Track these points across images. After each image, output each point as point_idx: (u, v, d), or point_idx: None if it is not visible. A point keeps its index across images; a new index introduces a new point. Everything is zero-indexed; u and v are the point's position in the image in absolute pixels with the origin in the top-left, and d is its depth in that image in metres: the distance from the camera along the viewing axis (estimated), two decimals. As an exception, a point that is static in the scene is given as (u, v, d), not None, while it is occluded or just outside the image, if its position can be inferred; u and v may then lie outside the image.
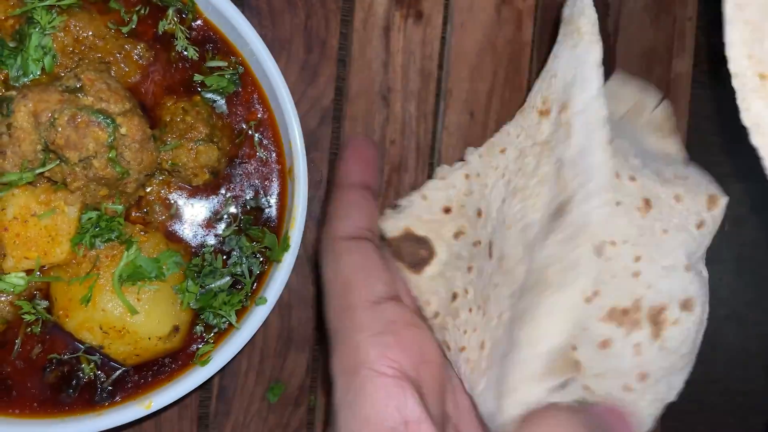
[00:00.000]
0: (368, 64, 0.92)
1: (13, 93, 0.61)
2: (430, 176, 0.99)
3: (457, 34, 0.97)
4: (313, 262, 0.91)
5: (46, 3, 0.65)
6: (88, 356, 0.67)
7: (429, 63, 0.96)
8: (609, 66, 1.07)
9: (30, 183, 0.63)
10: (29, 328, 0.67)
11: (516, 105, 1.01)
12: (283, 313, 0.89)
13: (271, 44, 0.91)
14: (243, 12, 0.86)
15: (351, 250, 0.60)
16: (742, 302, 1.18)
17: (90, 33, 0.66)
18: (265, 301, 0.67)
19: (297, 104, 0.92)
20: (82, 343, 0.66)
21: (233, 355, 0.66)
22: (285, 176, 0.72)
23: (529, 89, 1.03)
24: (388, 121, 0.96)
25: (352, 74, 0.92)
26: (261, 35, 0.88)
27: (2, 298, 0.66)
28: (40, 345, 0.67)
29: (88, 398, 0.65)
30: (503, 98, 0.99)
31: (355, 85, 0.92)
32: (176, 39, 0.70)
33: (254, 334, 0.68)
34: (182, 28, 0.70)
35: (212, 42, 0.71)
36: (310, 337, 0.91)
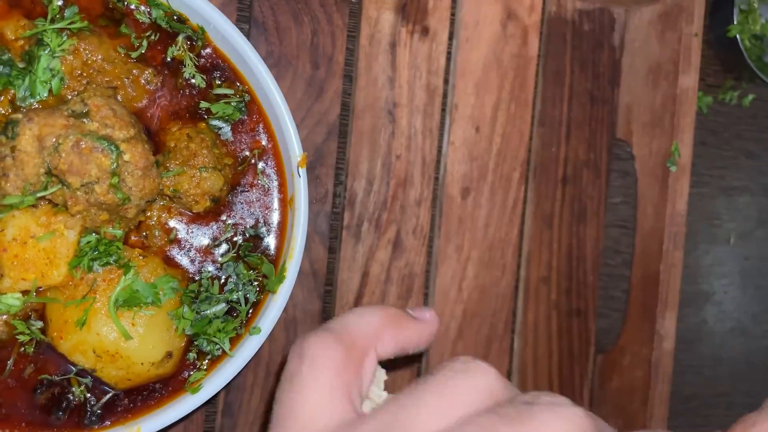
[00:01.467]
0: (374, 80, 0.87)
1: (19, 115, 0.60)
2: (435, 191, 0.93)
3: (462, 50, 0.92)
4: (318, 276, 0.85)
5: (57, 26, 0.65)
6: (80, 378, 0.64)
7: (435, 78, 0.90)
8: (614, 81, 1.01)
9: (31, 205, 0.62)
10: (22, 348, 0.67)
11: (521, 119, 0.96)
12: (289, 327, 0.84)
13: (277, 60, 0.86)
14: (250, 29, 0.82)
15: None
16: (747, 315, 1.12)
17: (99, 57, 0.66)
18: (259, 331, 0.64)
19: (303, 120, 0.87)
20: (75, 365, 0.66)
21: (225, 384, 0.62)
22: (286, 206, 0.72)
23: (534, 103, 0.97)
24: (394, 136, 0.91)
25: (358, 90, 0.87)
26: (268, 51, 0.84)
27: None
28: (32, 365, 0.67)
29: (77, 421, 0.63)
30: (509, 112, 0.93)
31: (361, 100, 0.87)
32: (184, 66, 0.70)
33: (255, 354, 0.63)
34: (191, 55, 0.70)
35: (220, 69, 0.71)
36: (314, 353, 0.85)
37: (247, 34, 0.85)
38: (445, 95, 0.95)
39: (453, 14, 0.95)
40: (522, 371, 1.01)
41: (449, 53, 0.95)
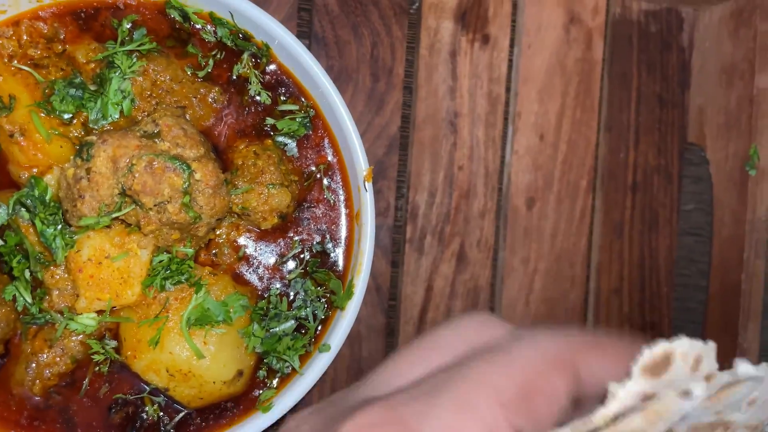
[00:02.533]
0: (434, 91, 0.86)
1: (93, 138, 0.62)
2: (499, 201, 0.91)
3: (524, 56, 0.90)
4: (382, 291, 0.84)
5: (127, 48, 0.66)
6: (153, 397, 0.65)
7: (496, 86, 0.89)
8: (684, 83, 0.97)
9: (105, 226, 0.64)
10: (97, 368, 0.69)
11: (587, 125, 0.93)
12: (353, 344, 0.83)
13: (338, 75, 0.86)
14: (310, 45, 0.82)
15: None
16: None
17: (167, 77, 0.68)
18: (329, 348, 0.63)
19: (364, 134, 0.87)
20: (148, 384, 0.66)
21: (295, 402, 0.61)
22: (352, 221, 0.73)
23: (600, 108, 0.94)
24: (456, 147, 0.90)
25: (419, 101, 0.86)
26: (328, 66, 0.84)
27: (73, 338, 0.68)
28: (107, 384, 0.69)
29: (152, 439, 0.61)
30: (574, 119, 0.90)
31: (421, 111, 0.86)
32: (250, 83, 0.71)
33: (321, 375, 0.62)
34: (256, 72, 0.71)
35: (284, 86, 0.72)
36: (380, 370, 0.84)
37: (308, 49, 0.85)
38: (507, 103, 0.93)
39: (514, 20, 0.93)
40: (594, 387, 0.97)
41: (511, 60, 0.93)
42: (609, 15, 0.97)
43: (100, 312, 0.64)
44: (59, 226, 0.62)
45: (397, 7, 0.89)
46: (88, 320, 0.64)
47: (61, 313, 0.64)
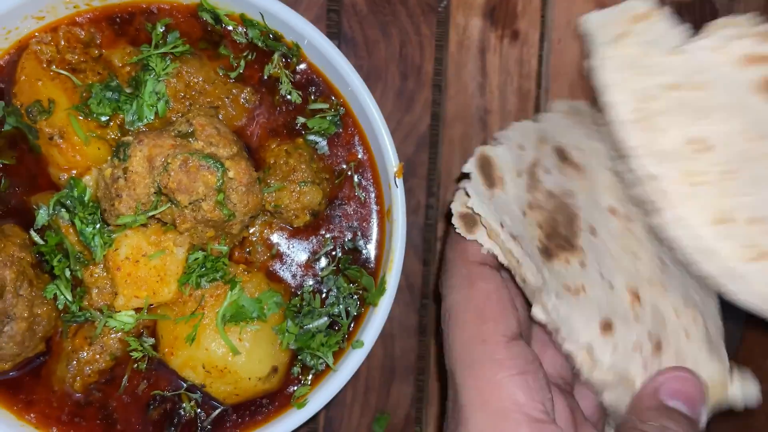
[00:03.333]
0: (464, 87, 0.87)
1: (130, 138, 0.64)
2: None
3: (555, 51, 0.90)
4: (414, 290, 0.84)
5: (161, 51, 0.68)
6: (190, 394, 0.66)
7: (527, 82, 0.89)
8: None
9: (141, 224, 0.65)
10: (136, 365, 0.70)
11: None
12: (386, 342, 0.84)
13: (367, 74, 0.87)
14: (339, 45, 0.84)
15: (485, 276, 0.57)
16: None
17: (200, 78, 0.69)
18: (362, 344, 0.64)
19: (393, 132, 0.87)
20: (185, 380, 0.68)
21: (330, 398, 0.62)
22: (383, 217, 0.73)
23: (633, 103, 0.93)
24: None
25: (448, 98, 0.87)
26: (357, 66, 0.85)
27: (112, 336, 0.69)
28: (145, 381, 0.70)
29: (189, 435, 0.63)
30: (606, 114, 0.89)
31: (451, 109, 0.87)
32: (281, 83, 0.72)
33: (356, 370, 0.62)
34: (287, 72, 0.72)
35: (315, 85, 0.73)
36: (414, 367, 0.85)
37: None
38: (537, 99, 0.93)
39: (543, 15, 0.92)
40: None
41: (541, 56, 0.93)
42: (640, 7, 0.96)
43: (137, 309, 0.66)
44: (98, 225, 0.64)
45: (425, 5, 0.89)
46: (126, 317, 0.66)
47: (101, 311, 0.66)
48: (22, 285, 0.62)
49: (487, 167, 0.63)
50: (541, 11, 0.92)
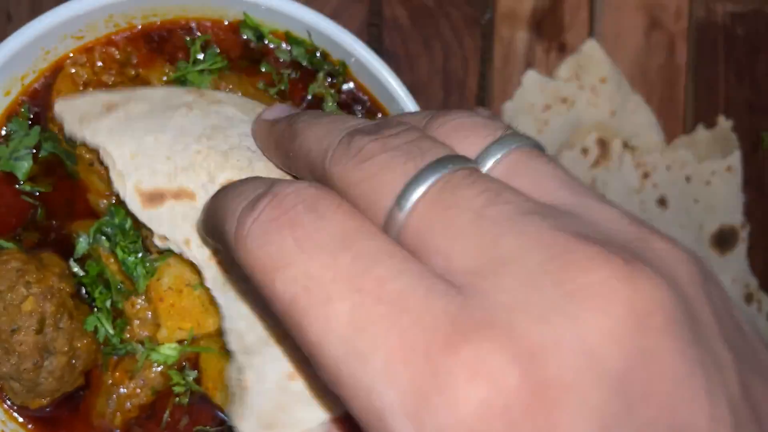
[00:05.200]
0: (510, 104, 0.82)
1: None
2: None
3: (602, 64, 0.85)
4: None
5: (199, 67, 0.66)
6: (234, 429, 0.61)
7: (574, 97, 0.84)
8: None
9: None
10: (177, 399, 0.67)
11: (674, 134, 0.89)
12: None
13: (409, 89, 0.83)
14: (381, 58, 0.79)
15: None
16: None
17: (239, 93, 0.66)
18: None
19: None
20: (228, 416, 0.60)
21: None
22: None
23: (685, 115, 0.90)
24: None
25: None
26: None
27: (154, 369, 0.67)
28: (187, 416, 0.67)
29: (233, 474, 0.60)
30: (659, 128, 0.85)
31: (497, 127, 0.83)
32: (325, 102, 0.69)
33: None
34: (332, 91, 0.69)
35: (361, 103, 0.70)
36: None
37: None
38: (585, 114, 0.89)
39: (591, 27, 0.89)
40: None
41: (589, 69, 0.89)
42: (692, 19, 0.92)
43: (181, 342, 0.63)
44: (140, 254, 0.62)
45: (469, 18, 0.86)
46: (169, 350, 0.63)
47: (142, 343, 0.63)
48: (62, 318, 0.59)
49: None
50: (589, 23, 0.89)
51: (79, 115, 0.60)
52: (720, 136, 0.91)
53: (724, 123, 0.91)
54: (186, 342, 0.62)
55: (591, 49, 0.86)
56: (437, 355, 0.27)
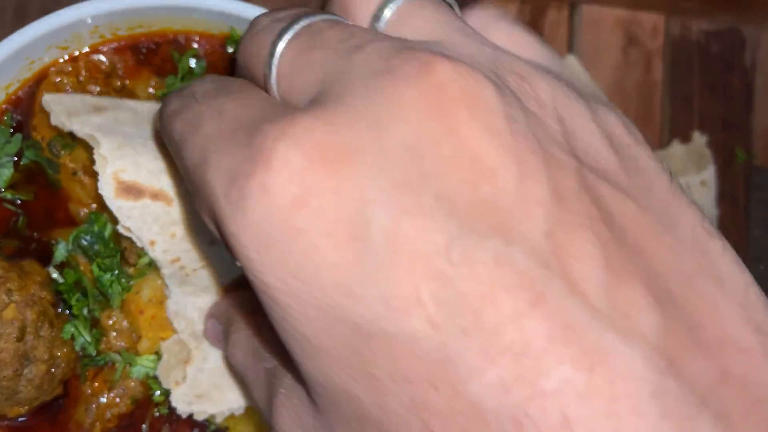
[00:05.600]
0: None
1: None
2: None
3: (580, 80, 0.87)
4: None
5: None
6: None
7: (555, 112, 0.86)
8: (748, 104, 0.94)
9: None
10: (157, 409, 0.66)
11: (650, 148, 0.89)
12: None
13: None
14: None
15: None
16: None
17: None
18: None
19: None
20: (210, 423, 0.63)
21: None
22: None
23: (661, 131, 0.92)
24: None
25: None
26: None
27: (134, 377, 0.67)
28: (167, 425, 0.66)
29: (213, 483, 0.61)
30: (634, 144, 0.87)
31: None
32: None
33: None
34: None
35: None
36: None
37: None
38: (564, 128, 0.91)
39: (571, 44, 0.91)
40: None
41: (567, 84, 0.91)
42: (668, 36, 0.95)
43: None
44: (116, 272, 0.62)
45: (451, 32, 0.88)
46: (148, 362, 0.63)
47: (119, 353, 0.63)
48: (42, 326, 0.59)
49: None
50: (568, 40, 0.91)
51: (67, 109, 0.60)
52: (695, 150, 0.93)
53: (698, 138, 0.94)
54: (167, 352, 0.63)
55: (570, 64, 0.88)
56: (255, 141, 0.30)
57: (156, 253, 0.59)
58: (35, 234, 0.65)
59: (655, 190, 0.33)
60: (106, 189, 0.58)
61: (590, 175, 0.31)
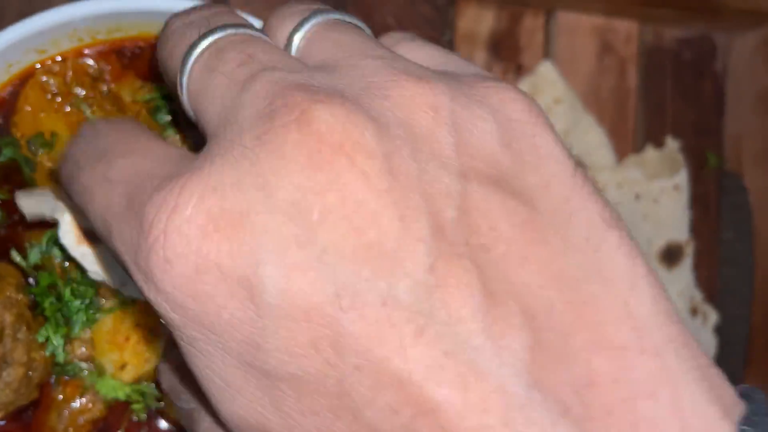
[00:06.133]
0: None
1: None
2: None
3: (556, 85, 0.88)
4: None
5: None
6: None
7: (531, 117, 0.87)
8: (719, 111, 0.97)
9: None
10: (134, 415, 0.65)
11: (624, 153, 0.93)
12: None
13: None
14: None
15: None
16: None
17: None
18: None
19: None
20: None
21: None
22: None
23: (635, 136, 0.94)
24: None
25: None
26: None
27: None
28: (146, 429, 0.66)
29: (191, 489, 0.59)
30: (611, 147, 0.89)
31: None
32: None
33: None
34: None
35: None
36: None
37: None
38: (540, 133, 0.92)
39: (547, 50, 0.93)
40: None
41: (543, 89, 0.93)
42: (642, 43, 0.97)
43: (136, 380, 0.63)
44: (87, 301, 0.61)
45: (429, 38, 0.89)
46: (122, 392, 0.63)
47: (87, 360, 0.62)
48: (20, 328, 0.59)
49: None
50: (544, 46, 0.92)
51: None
52: (668, 155, 0.95)
53: (671, 143, 0.96)
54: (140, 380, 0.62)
55: (546, 70, 0.90)
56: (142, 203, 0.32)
57: (128, 292, 0.58)
58: (11, 235, 0.65)
59: (553, 186, 0.33)
60: (67, 238, 0.56)
61: (476, 192, 0.31)
